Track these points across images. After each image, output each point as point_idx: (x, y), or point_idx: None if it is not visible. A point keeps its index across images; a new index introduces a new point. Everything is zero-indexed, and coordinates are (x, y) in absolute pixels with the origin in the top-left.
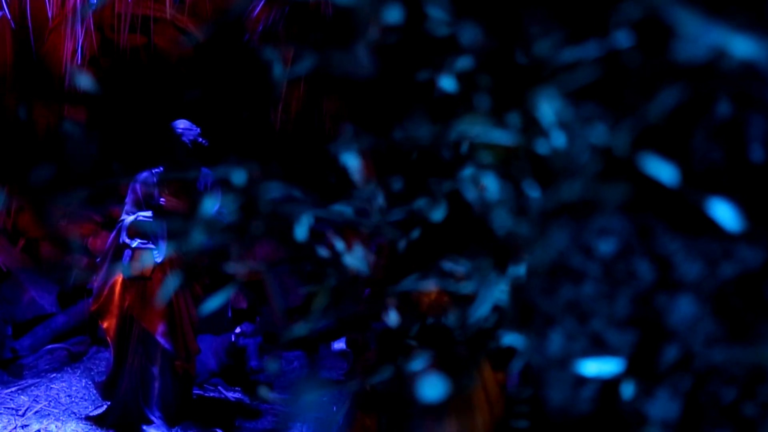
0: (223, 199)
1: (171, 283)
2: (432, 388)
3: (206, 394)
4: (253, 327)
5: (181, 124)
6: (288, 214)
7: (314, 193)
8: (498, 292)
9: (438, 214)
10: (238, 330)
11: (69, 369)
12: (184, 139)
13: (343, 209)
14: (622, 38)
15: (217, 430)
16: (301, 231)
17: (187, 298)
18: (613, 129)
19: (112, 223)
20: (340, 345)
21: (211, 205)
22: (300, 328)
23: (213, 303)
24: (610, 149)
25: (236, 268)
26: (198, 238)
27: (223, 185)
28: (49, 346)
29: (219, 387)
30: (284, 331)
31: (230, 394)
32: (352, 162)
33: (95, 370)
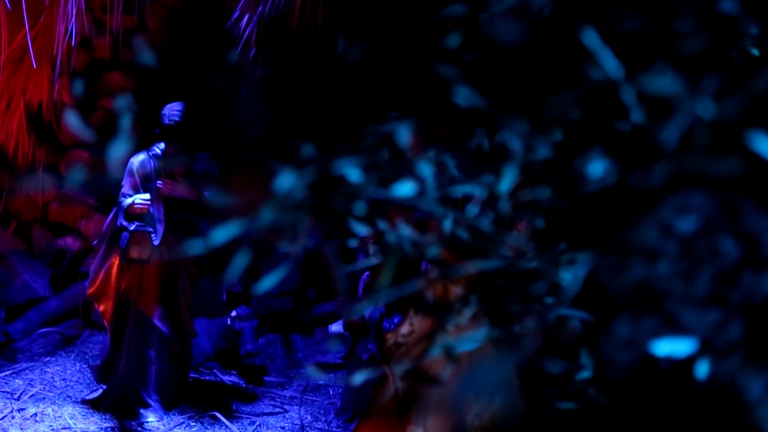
0: (296, 175)
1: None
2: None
3: (202, 378)
4: (249, 310)
5: (177, 106)
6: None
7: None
8: (564, 270)
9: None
10: (234, 313)
11: (62, 353)
12: (176, 121)
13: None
14: (728, 5)
15: (215, 413)
16: (360, 208)
17: (183, 281)
18: (720, 102)
19: (105, 205)
20: (337, 328)
21: (286, 181)
22: (362, 306)
23: (267, 282)
24: (718, 122)
25: (294, 245)
26: (268, 215)
27: (295, 160)
28: (43, 330)
29: (214, 370)
30: (346, 309)
31: (226, 378)
32: (404, 137)
33: (89, 354)
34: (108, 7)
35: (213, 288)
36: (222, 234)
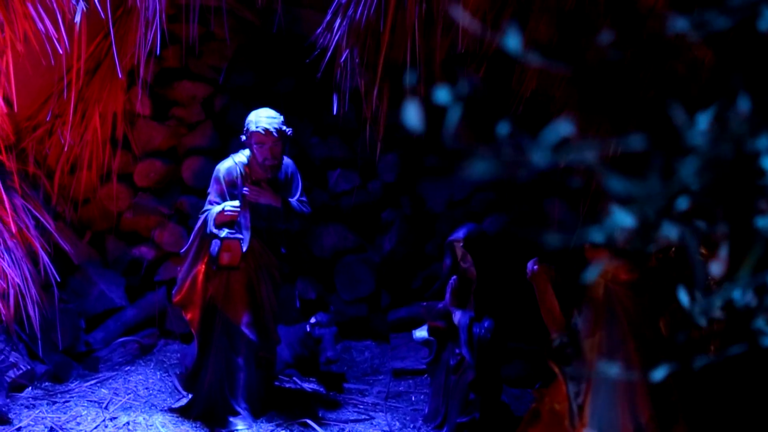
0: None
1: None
2: None
3: (283, 385)
4: (328, 317)
5: (264, 113)
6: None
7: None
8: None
9: None
10: (313, 320)
11: (141, 361)
12: (272, 128)
13: None
14: None
15: (307, 420)
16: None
17: (268, 288)
18: None
19: (179, 215)
20: (422, 333)
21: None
22: (728, 292)
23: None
24: None
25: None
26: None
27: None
28: (121, 339)
29: (294, 378)
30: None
31: (306, 385)
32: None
33: (167, 363)
34: (183, 16)
35: (287, 295)
36: (621, 218)
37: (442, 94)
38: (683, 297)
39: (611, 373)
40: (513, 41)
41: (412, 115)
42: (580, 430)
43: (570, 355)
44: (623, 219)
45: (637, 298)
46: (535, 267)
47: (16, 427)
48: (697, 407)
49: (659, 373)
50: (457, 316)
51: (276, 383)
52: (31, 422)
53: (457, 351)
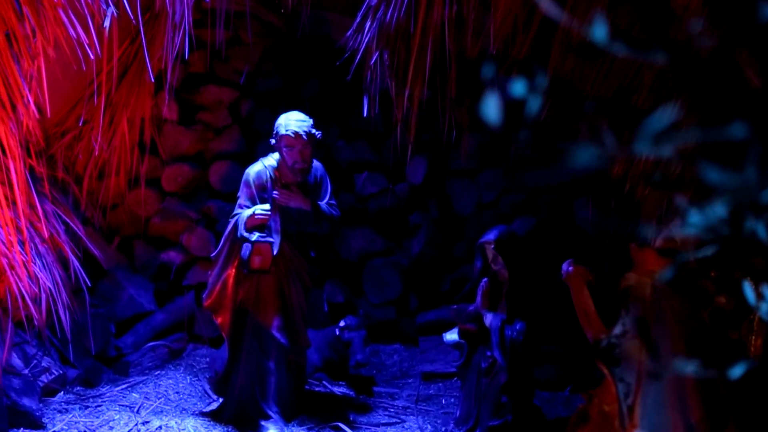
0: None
1: None
2: None
3: (313, 389)
4: (357, 320)
5: (293, 116)
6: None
7: None
8: None
9: None
10: (342, 323)
11: (171, 366)
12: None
13: None
14: None
15: (339, 424)
16: None
17: (298, 291)
18: None
19: (206, 219)
20: (452, 336)
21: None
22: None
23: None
24: None
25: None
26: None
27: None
28: (151, 344)
29: (323, 381)
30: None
31: (336, 389)
32: None
33: (197, 367)
34: (209, 21)
35: (315, 299)
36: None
37: (519, 87)
38: (749, 294)
39: (661, 373)
40: (600, 31)
41: (491, 107)
42: (630, 431)
43: (618, 355)
44: (696, 218)
45: (684, 298)
46: (570, 268)
47: (51, 431)
48: (747, 409)
49: (736, 371)
50: (489, 319)
51: (306, 387)
52: (64, 426)
53: (488, 354)
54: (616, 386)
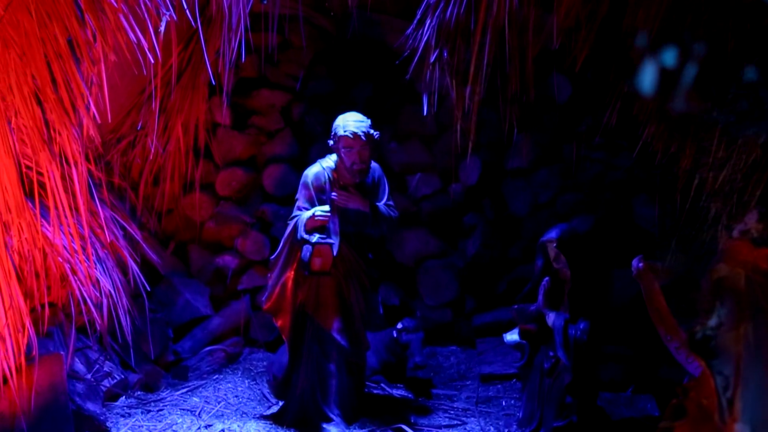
0: None
1: None
2: None
3: (372, 392)
4: (415, 322)
5: (351, 117)
6: None
7: None
8: None
9: None
10: (399, 326)
11: (228, 370)
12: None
13: None
14: None
15: (401, 426)
16: None
17: (357, 293)
18: None
19: (261, 223)
20: (513, 337)
21: None
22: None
23: None
24: None
25: None
26: None
27: None
28: (208, 348)
29: (382, 384)
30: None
31: (394, 391)
32: None
33: (254, 371)
34: (262, 25)
35: (372, 301)
36: None
37: (670, 56)
38: None
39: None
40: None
41: (648, 78)
42: (731, 425)
43: (715, 348)
44: None
45: None
46: (641, 265)
47: None
48: None
49: None
50: (551, 318)
51: (364, 389)
52: (128, 431)
53: (551, 354)
54: (715, 379)
